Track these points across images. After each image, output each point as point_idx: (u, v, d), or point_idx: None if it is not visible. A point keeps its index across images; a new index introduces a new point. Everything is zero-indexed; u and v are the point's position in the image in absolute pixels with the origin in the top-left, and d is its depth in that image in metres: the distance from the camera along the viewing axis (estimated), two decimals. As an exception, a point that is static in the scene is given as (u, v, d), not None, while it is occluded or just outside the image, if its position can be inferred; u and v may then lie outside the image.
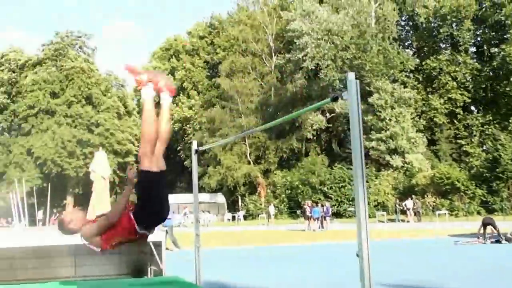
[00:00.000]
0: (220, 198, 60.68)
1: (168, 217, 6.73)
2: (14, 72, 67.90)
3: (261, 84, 60.66)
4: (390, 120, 50.13)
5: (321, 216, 36.69)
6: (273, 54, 61.55)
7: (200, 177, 55.81)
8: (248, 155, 58.14)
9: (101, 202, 16.09)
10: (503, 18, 51.02)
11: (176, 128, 67.53)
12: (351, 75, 3.89)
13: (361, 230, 3.77)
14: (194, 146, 7.20)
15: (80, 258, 10.27)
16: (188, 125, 66.36)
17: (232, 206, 58.43)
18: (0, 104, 66.60)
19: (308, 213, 36.37)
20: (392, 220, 44.85)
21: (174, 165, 67.58)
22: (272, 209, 49.42)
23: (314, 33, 52.71)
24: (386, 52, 51.79)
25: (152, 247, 8.71)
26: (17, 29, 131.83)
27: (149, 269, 9.58)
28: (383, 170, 51.69)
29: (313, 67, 53.35)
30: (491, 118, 52.61)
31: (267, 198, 56.96)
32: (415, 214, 43.76)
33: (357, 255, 3.83)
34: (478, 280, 12.00)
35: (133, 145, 66.89)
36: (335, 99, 4.54)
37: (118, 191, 63.87)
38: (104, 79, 69.29)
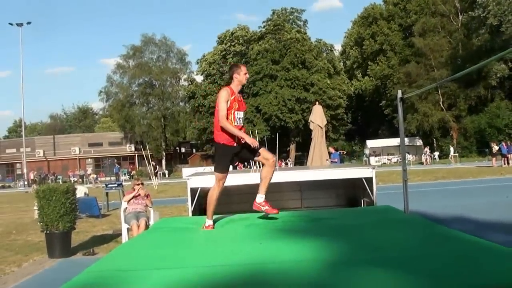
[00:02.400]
0: (418, 141, 68.56)
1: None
2: (242, 45, 78.38)
3: (449, 41, 66.15)
4: None
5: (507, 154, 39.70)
6: (459, 14, 66.85)
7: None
8: (441, 103, 64.56)
9: (319, 146, 19.25)
10: None
11: (378, 84, 76.55)
12: None
13: None
14: (399, 95, 7.39)
15: (305, 192, 11.63)
16: (388, 81, 72.95)
17: (429, 148, 63.17)
18: (244, 72, 77.34)
19: (495, 151, 40.11)
20: None
21: (378, 116, 76.69)
22: (452, 150, 55.08)
23: None
24: None
25: (364, 182, 9.09)
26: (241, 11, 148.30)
27: (362, 200, 10.23)
28: None
29: (496, 23, 58.06)
30: None
31: (458, 140, 64.18)
32: None
33: None
34: None
35: (342, 100, 75.52)
36: None
37: (331, 137, 73.75)
38: (315, 46, 77.41)
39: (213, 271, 3.96)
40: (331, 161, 24.62)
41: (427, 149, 59.23)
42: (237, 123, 6.28)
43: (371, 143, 71.83)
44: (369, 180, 9.07)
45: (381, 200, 9.17)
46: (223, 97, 6.17)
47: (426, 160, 57.37)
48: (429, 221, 6.49)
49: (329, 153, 26.06)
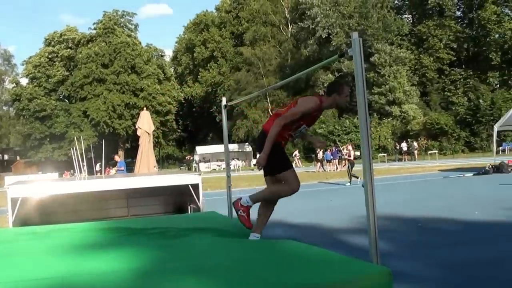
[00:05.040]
0: (248, 147, 68.99)
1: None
2: (71, 48, 75.43)
3: (279, 50, 68.13)
4: (389, 76, 58.22)
5: (336, 159, 42.44)
6: (289, 24, 68.92)
7: (229, 130, 65.20)
8: (270, 111, 64.91)
9: (147, 152, 18.96)
10: None
11: (209, 91, 76.56)
12: (355, 34, 4.19)
13: (365, 165, 4.12)
14: (224, 102, 7.61)
15: (132, 200, 11.42)
16: (219, 88, 73.64)
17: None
18: (61, 76, 73.74)
19: (319, 157, 42.33)
20: (392, 160, 52.05)
21: (208, 122, 76.66)
22: None
23: (322, 5, 60.50)
24: (384, 19, 59.86)
25: (191, 188, 9.17)
26: (68, 12, 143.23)
27: (189, 207, 10.25)
28: (384, 118, 59.89)
29: (325, 36, 60.37)
30: (471, 72, 60.61)
31: (287, 146, 65.76)
32: (410, 154, 51.90)
33: (363, 186, 4.22)
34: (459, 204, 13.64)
35: (172, 106, 74.84)
36: (342, 55, 4.86)
37: (162, 144, 72.85)
38: (145, 50, 76.46)
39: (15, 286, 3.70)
40: (117, 170, 24.35)
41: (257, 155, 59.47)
42: (294, 135, 5.74)
43: (200, 150, 71.44)
44: (195, 186, 9.16)
45: (210, 206, 9.53)
46: (308, 107, 5.44)
47: (254, 165, 57.32)
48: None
49: (116, 162, 26.11)
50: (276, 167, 5.54)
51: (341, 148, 44.53)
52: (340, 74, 60.52)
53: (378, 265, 3.97)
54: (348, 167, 25.60)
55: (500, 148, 47.49)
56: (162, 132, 73.63)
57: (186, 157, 73.84)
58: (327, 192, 21.91)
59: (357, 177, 24.38)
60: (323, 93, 5.81)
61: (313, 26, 61.31)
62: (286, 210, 14.64)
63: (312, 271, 3.74)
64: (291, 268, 3.90)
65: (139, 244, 5.22)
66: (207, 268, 3.96)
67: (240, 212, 5.60)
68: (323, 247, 4.82)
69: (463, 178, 24.05)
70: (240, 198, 5.65)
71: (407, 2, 67.83)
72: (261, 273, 3.74)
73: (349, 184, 24.81)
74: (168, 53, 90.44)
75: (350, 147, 27.15)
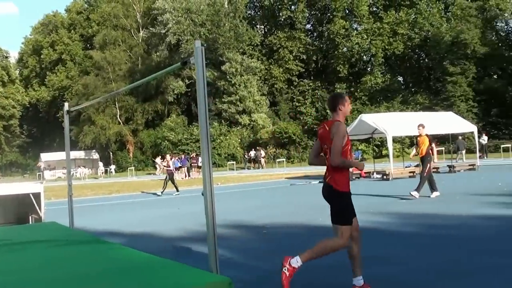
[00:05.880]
0: (95, 154, 67.48)
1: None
2: None
3: (129, 55, 67.24)
4: (239, 85, 58.54)
5: (186, 167, 42.34)
6: (141, 29, 68.24)
7: (76, 136, 63.09)
8: (118, 117, 64.82)
9: None
10: (328, 2, 60.43)
11: (56, 95, 73.81)
12: (197, 43, 4.12)
13: (205, 173, 4.09)
14: (66, 107, 7.46)
15: None
16: (66, 92, 71.15)
17: (105, 161, 64.36)
18: None
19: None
20: (241, 168, 52.48)
21: (55, 128, 73.51)
22: (113, 167, 57.34)
23: (175, 11, 60.19)
24: (236, 29, 60.00)
25: (32, 197, 8.96)
26: None
27: (30, 217, 10.02)
28: (233, 127, 60.18)
29: (175, 42, 60.30)
30: (320, 84, 62.00)
31: (135, 153, 64.67)
32: (257, 162, 52.48)
33: (202, 194, 4.25)
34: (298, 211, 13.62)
35: (16, 109, 71.92)
36: (184, 63, 4.80)
37: (5, 150, 69.37)
38: None
39: None
40: None
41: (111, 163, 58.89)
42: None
43: (45, 157, 68.57)
44: (37, 195, 9.05)
45: (53, 216, 9.31)
46: (343, 132, 5.46)
47: (102, 173, 56.71)
48: (93, 236, 6.65)
49: None
50: (342, 217, 5.50)
51: (192, 156, 44.72)
52: (190, 81, 60.49)
53: (218, 274, 3.99)
54: (166, 177, 25.02)
55: (346, 157, 48.77)
56: (5, 138, 70.56)
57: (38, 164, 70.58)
58: (176, 200, 21.34)
59: (163, 190, 24.52)
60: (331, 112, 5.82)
61: (165, 32, 61.00)
62: (125, 219, 15.12)
63: (150, 280, 3.68)
64: (130, 278, 3.78)
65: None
66: (42, 282, 3.81)
67: (284, 270, 5.44)
68: (164, 257, 4.72)
69: (309, 185, 24.37)
70: (293, 257, 5.48)
71: (259, 13, 68.49)
72: (97, 286, 3.64)
73: (160, 194, 24.38)
74: (14, 55, 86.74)
75: (168, 157, 26.56)
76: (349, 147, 5.58)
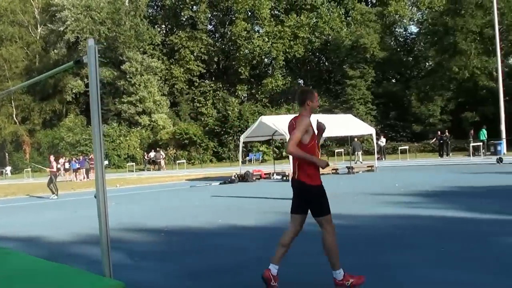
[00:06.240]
0: None
1: None
2: None
3: (27, 52, 65.42)
4: (139, 85, 57.95)
5: (85, 168, 41.78)
6: (39, 26, 66.48)
7: None
8: (14, 116, 63.08)
9: None
10: (230, 3, 60.38)
11: None
12: (90, 41, 4.02)
13: (98, 175, 4.00)
14: None
15: None
16: None
17: (0, 162, 62.47)
18: None
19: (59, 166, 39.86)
20: (141, 170, 52.08)
21: None
22: (8, 169, 56.06)
23: (74, 8, 58.99)
24: (137, 28, 59.29)
25: None
26: None
27: None
28: (133, 127, 59.52)
29: (74, 40, 59.23)
30: (221, 85, 62.09)
31: (32, 154, 62.81)
32: (157, 164, 52.07)
33: (95, 197, 4.12)
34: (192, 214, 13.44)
35: None
36: (77, 62, 4.53)
37: None
38: None
39: None
40: None
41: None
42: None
43: None
44: None
45: None
46: (305, 125, 5.51)
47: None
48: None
49: None
50: (323, 210, 5.58)
51: (90, 157, 43.86)
52: (90, 80, 58.44)
53: (111, 278, 3.91)
54: (52, 179, 23.91)
55: (247, 158, 49.90)
56: None
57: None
58: (73, 203, 20.71)
59: (56, 194, 23.60)
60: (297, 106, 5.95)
61: (63, 29, 59.68)
62: (18, 223, 14.73)
63: (42, 285, 3.63)
64: (20, 284, 3.73)
65: None
66: None
67: (351, 282, 5.52)
68: (58, 261, 4.67)
69: (210, 187, 24.80)
70: (334, 278, 5.57)
71: (161, 13, 67.88)
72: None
73: (55, 196, 23.48)
74: None
75: (52, 159, 25.43)
76: (315, 143, 5.66)
